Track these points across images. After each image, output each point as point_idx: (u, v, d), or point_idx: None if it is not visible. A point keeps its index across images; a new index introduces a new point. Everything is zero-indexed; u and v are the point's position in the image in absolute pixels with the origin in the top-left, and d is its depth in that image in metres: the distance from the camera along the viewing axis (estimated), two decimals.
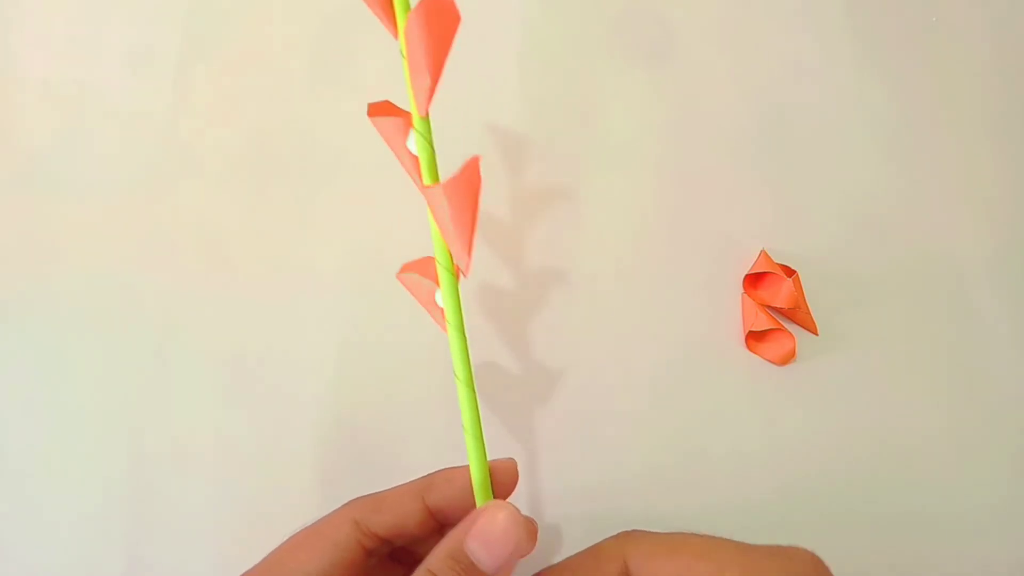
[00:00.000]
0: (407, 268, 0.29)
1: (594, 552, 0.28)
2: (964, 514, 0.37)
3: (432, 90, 0.24)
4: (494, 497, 0.28)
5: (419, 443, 0.37)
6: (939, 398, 0.39)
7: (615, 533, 0.28)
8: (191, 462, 0.37)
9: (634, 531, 0.28)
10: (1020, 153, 0.43)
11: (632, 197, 0.42)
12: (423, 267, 0.28)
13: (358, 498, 0.29)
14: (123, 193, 0.41)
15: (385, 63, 0.27)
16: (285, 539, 0.29)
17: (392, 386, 0.38)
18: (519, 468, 0.30)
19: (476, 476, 0.27)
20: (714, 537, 0.27)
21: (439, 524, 0.29)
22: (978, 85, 0.45)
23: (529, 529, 0.28)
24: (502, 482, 0.29)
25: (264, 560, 0.28)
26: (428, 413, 0.37)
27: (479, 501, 0.28)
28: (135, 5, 0.44)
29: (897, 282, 0.41)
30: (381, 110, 0.26)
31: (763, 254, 0.40)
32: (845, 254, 0.41)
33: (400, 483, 0.30)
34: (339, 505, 0.29)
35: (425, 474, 0.30)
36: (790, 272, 0.40)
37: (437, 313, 0.28)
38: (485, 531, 0.26)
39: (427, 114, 0.25)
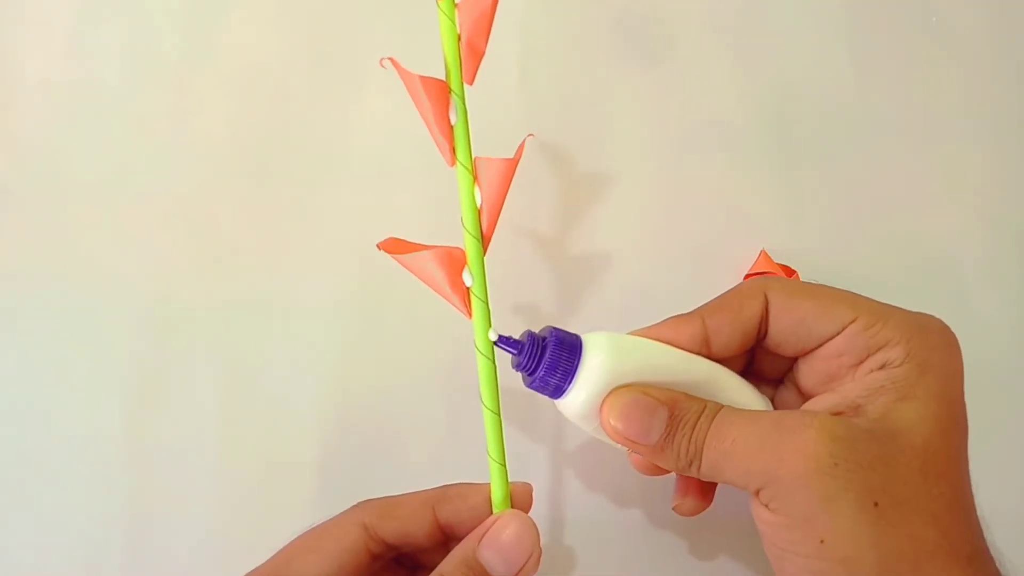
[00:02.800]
0: (419, 256, 0.28)
1: (736, 291, 0.29)
2: None
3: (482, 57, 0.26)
4: None
5: (420, 442, 0.37)
6: None
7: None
8: (192, 461, 0.37)
9: (772, 276, 0.29)
10: (1021, 153, 0.44)
11: (632, 197, 0.42)
12: (437, 256, 0.28)
13: (368, 501, 0.29)
14: (123, 193, 0.40)
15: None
16: (291, 538, 0.29)
17: (393, 385, 0.38)
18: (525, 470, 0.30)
19: (496, 495, 0.28)
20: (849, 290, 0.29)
21: (446, 537, 0.29)
22: (979, 85, 0.45)
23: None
24: (517, 505, 0.28)
25: (271, 560, 0.28)
26: (429, 412, 0.38)
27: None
28: (135, 5, 0.43)
29: (896, 282, 0.41)
30: (422, 79, 0.27)
31: (763, 254, 0.40)
32: (845, 254, 0.41)
33: (400, 480, 0.30)
34: (340, 504, 0.29)
35: (437, 485, 0.30)
36: (790, 272, 0.40)
37: (456, 297, 0.28)
38: (498, 539, 0.26)
39: (472, 82, 0.27)
